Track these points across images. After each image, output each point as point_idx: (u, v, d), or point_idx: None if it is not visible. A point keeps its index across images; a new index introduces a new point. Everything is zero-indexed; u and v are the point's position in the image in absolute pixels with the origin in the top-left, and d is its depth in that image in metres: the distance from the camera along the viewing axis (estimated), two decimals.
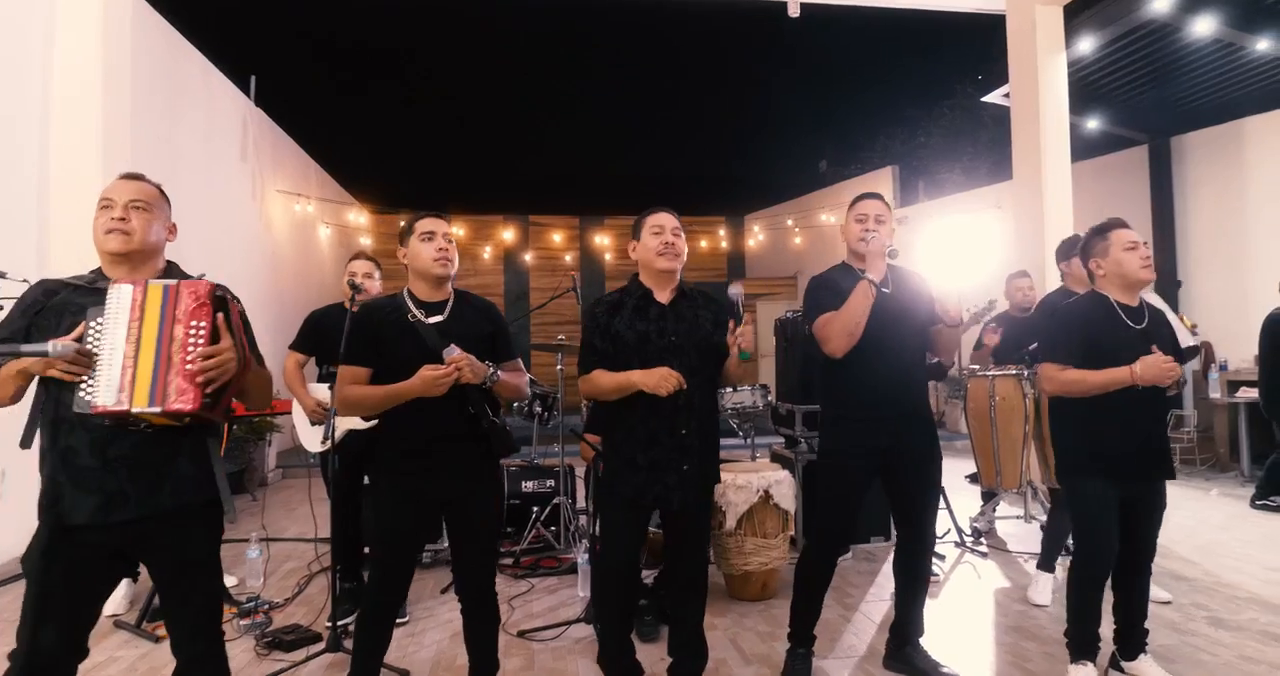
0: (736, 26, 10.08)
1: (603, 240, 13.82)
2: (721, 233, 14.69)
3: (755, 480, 3.72)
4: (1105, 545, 2.64)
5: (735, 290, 2.26)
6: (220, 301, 1.83)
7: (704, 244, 14.34)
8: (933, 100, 11.96)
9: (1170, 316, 3.00)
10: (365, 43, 9.21)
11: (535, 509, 4.70)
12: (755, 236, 13.77)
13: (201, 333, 1.76)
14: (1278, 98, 7.30)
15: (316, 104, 10.11)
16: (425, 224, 2.42)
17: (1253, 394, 6.39)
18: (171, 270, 1.97)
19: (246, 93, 8.04)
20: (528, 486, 4.83)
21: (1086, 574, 2.69)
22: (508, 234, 13.64)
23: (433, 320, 2.37)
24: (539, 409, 4.95)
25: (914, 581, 2.84)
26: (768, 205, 14.48)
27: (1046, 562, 3.75)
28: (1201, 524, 5.04)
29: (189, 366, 1.71)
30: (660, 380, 2.30)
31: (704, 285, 2.72)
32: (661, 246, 2.47)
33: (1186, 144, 8.23)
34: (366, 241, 12.24)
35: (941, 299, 2.75)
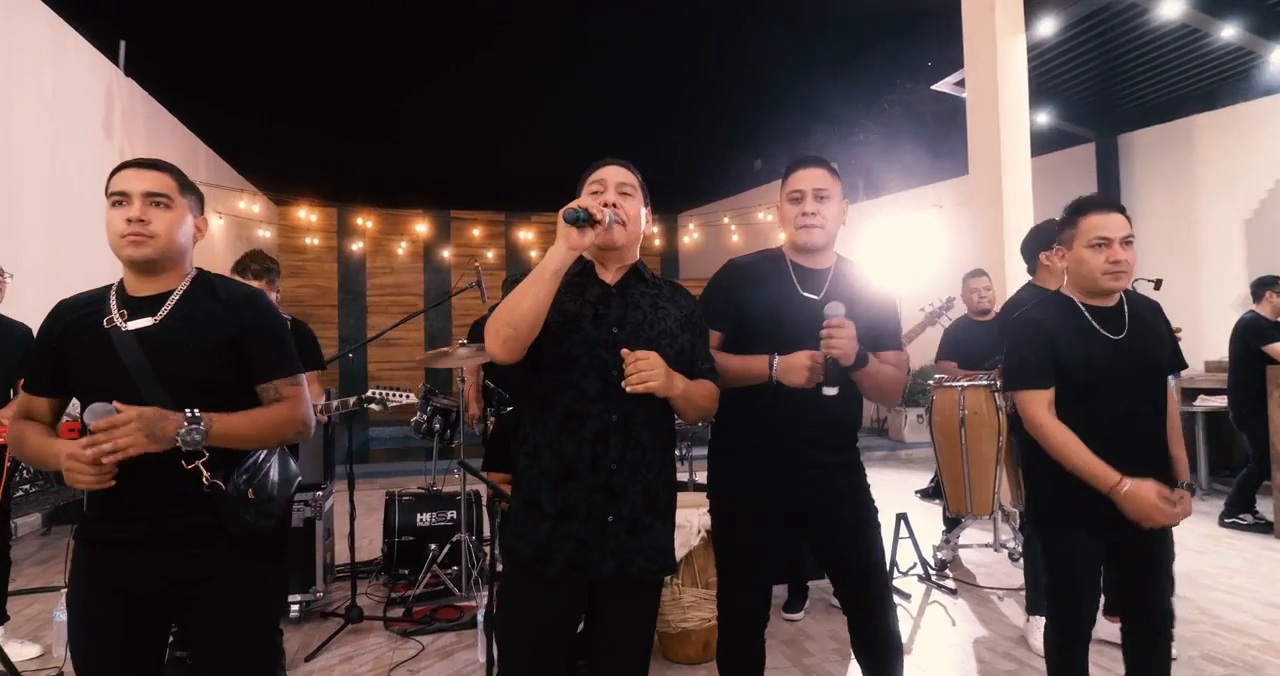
0: (669, 17, 9.49)
1: (528, 236, 13.04)
2: (655, 229, 14.06)
3: (695, 518, 3.03)
4: (1087, 601, 2.16)
5: None
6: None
7: None
8: (873, 96, 11.64)
9: None
10: (261, 7, 8.23)
11: (433, 547, 3.95)
12: (690, 234, 13.20)
13: None
14: (1227, 95, 7.08)
15: (205, 76, 9.02)
16: (119, 180, 1.56)
17: (1212, 402, 6.08)
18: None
19: (114, 60, 7.00)
20: (424, 519, 4.06)
21: (1064, 636, 2.16)
22: (421, 227, 12.68)
23: (137, 325, 1.55)
24: (438, 426, 4.18)
25: (884, 668, 2.14)
26: (703, 202, 13.94)
27: (1038, 604, 3.19)
28: (1177, 547, 4.60)
29: None
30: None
31: None
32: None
33: (1134, 142, 7.97)
34: (266, 234, 11.14)
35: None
